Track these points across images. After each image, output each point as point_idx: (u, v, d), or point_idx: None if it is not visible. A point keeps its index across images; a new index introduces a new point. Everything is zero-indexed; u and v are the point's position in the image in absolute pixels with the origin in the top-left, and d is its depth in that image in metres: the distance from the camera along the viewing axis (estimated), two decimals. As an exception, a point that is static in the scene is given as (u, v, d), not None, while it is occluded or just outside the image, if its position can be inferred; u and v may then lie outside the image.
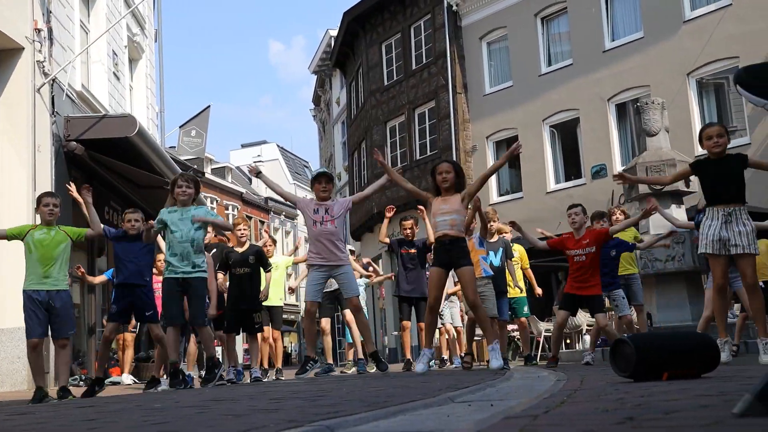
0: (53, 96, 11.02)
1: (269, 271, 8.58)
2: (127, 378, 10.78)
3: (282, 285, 9.72)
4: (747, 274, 5.66)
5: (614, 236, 7.81)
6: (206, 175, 42.86)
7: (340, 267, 7.04)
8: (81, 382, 10.20)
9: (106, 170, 12.52)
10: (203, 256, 6.76)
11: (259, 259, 8.48)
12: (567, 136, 20.00)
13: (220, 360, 7.16)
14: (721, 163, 5.84)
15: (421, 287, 9.20)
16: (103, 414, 3.49)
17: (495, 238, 9.00)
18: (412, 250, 9.53)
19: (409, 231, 9.60)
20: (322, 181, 7.16)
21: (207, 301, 7.32)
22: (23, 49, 10.31)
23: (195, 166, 36.27)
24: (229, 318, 8.32)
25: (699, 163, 6.04)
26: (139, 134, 11.47)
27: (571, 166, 19.89)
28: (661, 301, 9.94)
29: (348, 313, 9.38)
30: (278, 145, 61.44)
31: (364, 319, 7.23)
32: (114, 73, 14.49)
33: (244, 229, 8.58)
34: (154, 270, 8.11)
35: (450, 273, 6.87)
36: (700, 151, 16.93)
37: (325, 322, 9.62)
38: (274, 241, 10.05)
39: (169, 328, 6.72)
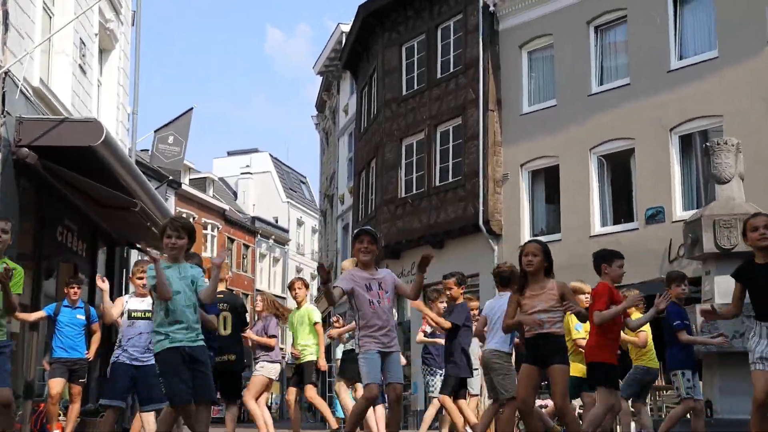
0: (4, 92, 10.98)
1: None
2: None
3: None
4: None
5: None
6: (183, 187, 42.96)
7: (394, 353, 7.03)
8: None
9: (63, 183, 12.45)
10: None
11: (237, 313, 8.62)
12: (618, 169, 19.87)
13: None
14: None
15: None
16: None
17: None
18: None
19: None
20: (364, 240, 7.02)
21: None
22: (-28, 35, 10.26)
23: (170, 177, 36.26)
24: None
25: (742, 269, 6.20)
26: (105, 143, 11.40)
27: (621, 207, 19.74)
28: (724, 386, 9.74)
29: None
30: (271, 155, 61.55)
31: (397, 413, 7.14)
32: (80, 66, 14.46)
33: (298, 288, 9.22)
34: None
35: None
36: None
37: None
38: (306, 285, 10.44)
39: (182, 409, 6.44)
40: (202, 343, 6.53)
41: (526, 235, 21.14)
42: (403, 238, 23.79)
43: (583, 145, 20.05)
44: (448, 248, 22.56)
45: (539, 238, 21.01)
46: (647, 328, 8.91)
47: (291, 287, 10.35)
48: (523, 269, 6.89)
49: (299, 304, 10.23)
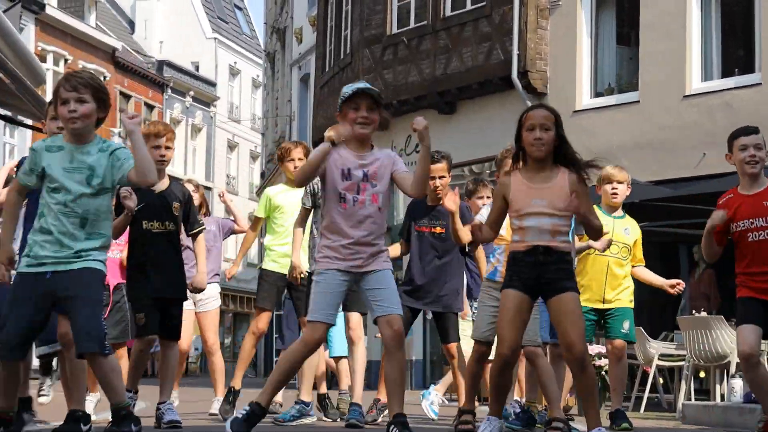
0: None
1: (197, 231, 8.91)
2: None
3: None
4: None
5: None
6: (48, 10, 42.49)
7: (375, 272, 7.23)
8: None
9: None
10: (102, 236, 6.72)
11: (188, 210, 8.84)
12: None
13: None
14: None
15: (443, 289, 9.80)
16: None
17: None
18: (437, 228, 9.89)
19: (438, 184, 9.83)
20: (361, 105, 7.16)
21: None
22: None
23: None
24: (147, 308, 8.67)
25: None
26: None
27: (735, 51, 19.79)
28: None
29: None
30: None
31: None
32: None
33: (167, 147, 8.74)
34: None
35: None
36: None
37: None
38: None
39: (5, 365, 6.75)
40: (86, 264, 6.62)
41: (584, 94, 21.13)
42: (393, 97, 23.65)
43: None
44: (462, 114, 22.52)
45: (606, 98, 21.00)
46: None
47: (284, 158, 10.68)
48: (524, 149, 7.12)
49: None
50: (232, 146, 57.07)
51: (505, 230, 8.03)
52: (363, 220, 7.10)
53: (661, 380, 14.23)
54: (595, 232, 7.41)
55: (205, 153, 54.75)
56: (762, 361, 8.07)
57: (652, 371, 13.69)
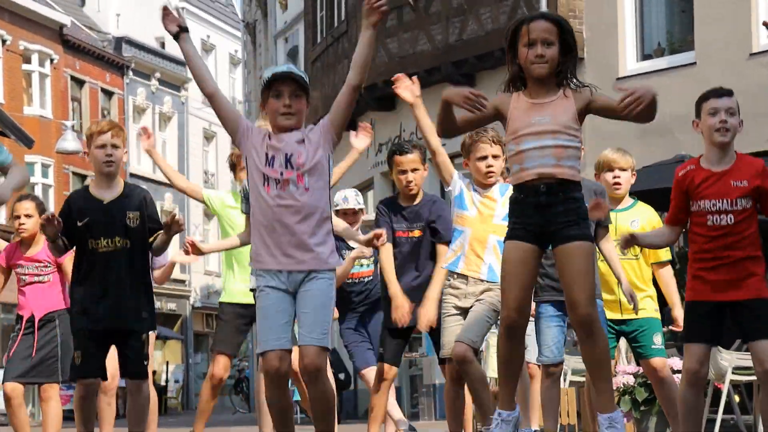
0: None
1: (156, 241, 8.88)
2: None
3: None
4: None
5: None
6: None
7: (310, 276, 7.33)
8: None
9: None
10: None
11: (144, 219, 8.76)
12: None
13: None
14: None
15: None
16: None
17: None
18: (415, 232, 10.02)
19: (411, 179, 10.10)
20: (284, 91, 7.30)
21: None
22: None
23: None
24: (84, 345, 8.68)
25: None
26: None
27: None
28: None
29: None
30: None
31: (323, 387, 7.45)
32: None
33: (114, 147, 8.77)
34: None
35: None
36: None
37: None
38: None
39: None
40: None
41: (629, 57, 21.20)
42: (399, 71, 23.19)
43: None
44: (482, 87, 22.31)
45: (656, 60, 21.01)
46: None
47: (236, 166, 11.49)
48: (522, 65, 7.19)
49: None
50: (208, 137, 57.12)
51: (470, 206, 8.65)
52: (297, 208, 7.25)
53: (737, 398, 14.18)
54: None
55: (177, 146, 54.70)
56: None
57: (725, 388, 13.63)
